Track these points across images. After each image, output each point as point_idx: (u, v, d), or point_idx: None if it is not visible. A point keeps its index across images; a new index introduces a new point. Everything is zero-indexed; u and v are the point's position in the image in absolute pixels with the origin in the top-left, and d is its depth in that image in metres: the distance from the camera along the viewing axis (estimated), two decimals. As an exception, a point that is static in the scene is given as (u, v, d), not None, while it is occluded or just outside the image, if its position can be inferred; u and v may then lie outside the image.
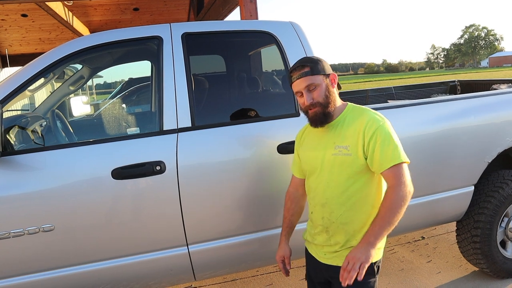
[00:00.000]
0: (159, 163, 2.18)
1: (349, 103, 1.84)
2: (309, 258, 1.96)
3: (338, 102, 1.82)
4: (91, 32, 10.32)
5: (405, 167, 1.66)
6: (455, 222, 3.10)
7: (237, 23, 2.58)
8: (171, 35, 2.39)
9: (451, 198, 2.80)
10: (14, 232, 2.05)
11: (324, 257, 1.84)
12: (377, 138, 1.66)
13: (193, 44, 2.44)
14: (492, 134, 2.82)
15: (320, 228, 1.83)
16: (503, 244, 3.07)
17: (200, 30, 2.45)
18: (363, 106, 1.83)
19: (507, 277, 3.08)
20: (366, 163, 1.70)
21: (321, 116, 1.74)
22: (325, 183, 1.78)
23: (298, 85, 1.76)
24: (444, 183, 2.76)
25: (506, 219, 3.03)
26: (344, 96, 4.58)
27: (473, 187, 2.88)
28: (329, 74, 1.78)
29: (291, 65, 2.50)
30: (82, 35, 9.34)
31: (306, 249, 2.00)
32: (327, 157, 1.77)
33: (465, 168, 2.80)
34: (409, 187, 1.63)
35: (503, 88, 3.97)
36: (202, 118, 2.35)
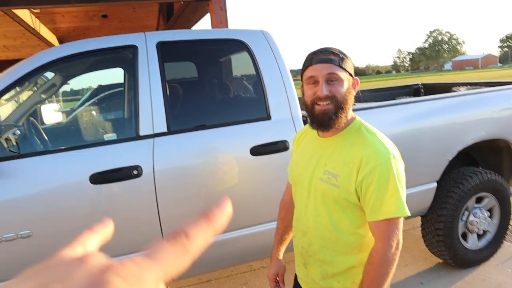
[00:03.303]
0: (136, 167, 2.24)
1: (357, 117, 1.50)
2: (297, 285, 1.71)
3: (350, 112, 1.47)
4: (58, 39, 10.14)
5: (399, 224, 1.34)
6: (420, 217, 3.28)
7: (210, 32, 2.67)
8: (146, 44, 2.45)
9: (416, 194, 2.96)
10: (-8, 240, 2.06)
11: None
12: (373, 179, 1.32)
13: (167, 52, 2.52)
14: (453, 134, 3.00)
15: (299, 259, 1.61)
16: (464, 236, 3.26)
17: (174, 39, 2.53)
18: (371, 128, 1.47)
19: (469, 266, 3.27)
20: (357, 202, 1.39)
21: (331, 115, 1.38)
22: (309, 209, 1.51)
23: (318, 69, 1.38)
24: (410, 180, 2.91)
25: (466, 213, 3.21)
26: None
27: (436, 184, 3.06)
28: (353, 76, 1.44)
29: (262, 72, 2.60)
30: (49, 42, 9.18)
31: (296, 276, 1.74)
32: (315, 179, 1.48)
33: (429, 165, 2.97)
34: (398, 250, 1.34)
35: (462, 90, 4.20)
36: (177, 123, 2.42)
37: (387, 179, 1.32)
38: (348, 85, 1.41)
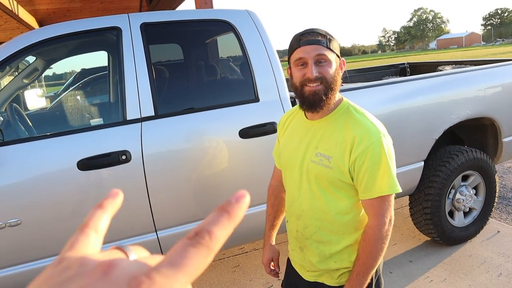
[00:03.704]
0: (125, 152, 2.21)
1: (344, 99, 1.51)
2: (291, 269, 1.72)
3: (338, 95, 1.48)
4: (38, 22, 9.89)
5: (391, 200, 1.40)
6: (408, 196, 3.32)
7: (195, 12, 2.62)
8: (130, 26, 2.40)
9: (403, 174, 2.99)
10: (-22, 229, 2.03)
11: (307, 274, 1.62)
12: (366, 158, 1.35)
13: (151, 34, 2.46)
14: (438, 113, 3.02)
15: (294, 243, 1.63)
16: (451, 214, 3.32)
17: (159, 20, 2.47)
18: (359, 108, 1.49)
19: (455, 243, 3.34)
20: (350, 182, 1.42)
21: (321, 97, 1.38)
22: (302, 192, 1.52)
23: (306, 51, 1.38)
24: (397, 160, 2.93)
25: (453, 191, 3.26)
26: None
27: (422, 163, 3.09)
28: (339, 57, 1.45)
29: (249, 53, 2.57)
30: (28, 25, 8.94)
31: (289, 260, 1.76)
32: (306, 162, 1.48)
33: (415, 145, 2.99)
34: (390, 225, 1.40)
35: (448, 69, 4.22)
36: (164, 107, 2.39)
37: (379, 158, 1.35)
38: (336, 66, 1.41)
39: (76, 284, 0.25)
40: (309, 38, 1.39)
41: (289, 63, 1.48)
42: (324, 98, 1.39)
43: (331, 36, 1.42)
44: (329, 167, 1.41)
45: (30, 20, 9.42)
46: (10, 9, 7.74)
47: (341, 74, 1.45)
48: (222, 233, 0.29)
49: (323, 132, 1.46)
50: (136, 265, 0.28)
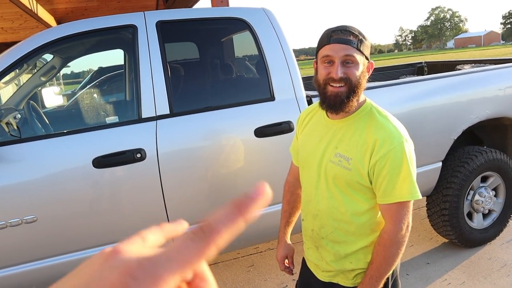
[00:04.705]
0: (140, 150, 2.21)
1: (368, 100, 1.47)
2: (306, 269, 1.70)
3: (362, 96, 1.44)
4: (56, 21, 10.02)
5: (410, 206, 1.36)
6: (425, 197, 3.26)
7: (210, 11, 2.61)
8: (146, 24, 2.40)
9: (420, 175, 2.92)
10: (-4, 225, 2.05)
11: (322, 274, 1.59)
12: (387, 162, 1.32)
13: (167, 32, 2.46)
14: (457, 112, 2.96)
15: (310, 242, 1.60)
16: (470, 215, 3.25)
17: (174, 18, 2.47)
18: (382, 110, 1.45)
19: (474, 246, 3.27)
20: (369, 185, 1.39)
21: (343, 99, 1.35)
22: (319, 192, 1.49)
23: (335, 49, 1.34)
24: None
25: (472, 192, 3.20)
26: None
27: (441, 163, 3.03)
28: (368, 59, 1.41)
29: (264, 52, 2.55)
30: (47, 24, 9.06)
31: (304, 259, 1.73)
32: (325, 161, 1.45)
33: (433, 145, 2.94)
34: (407, 231, 1.37)
35: (467, 68, 4.14)
36: (180, 105, 2.38)
37: (400, 163, 1.32)
38: (363, 69, 1.37)
39: (87, 269, 0.27)
40: (340, 36, 1.35)
41: (316, 57, 1.45)
42: (345, 101, 1.36)
43: (363, 37, 1.37)
44: (348, 169, 1.38)
45: (49, 19, 9.55)
46: (30, 8, 7.86)
47: (367, 77, 1.41)
48: (229, 234, 0.29)
49: (344, 133, 1.43)
50: (138, 252, 0.28)
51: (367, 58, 1.39)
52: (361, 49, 1.35)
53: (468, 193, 3.18)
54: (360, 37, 1.36)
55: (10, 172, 2.07)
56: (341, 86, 1.35)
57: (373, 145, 1.34)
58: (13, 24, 11.00)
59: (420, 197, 1.35)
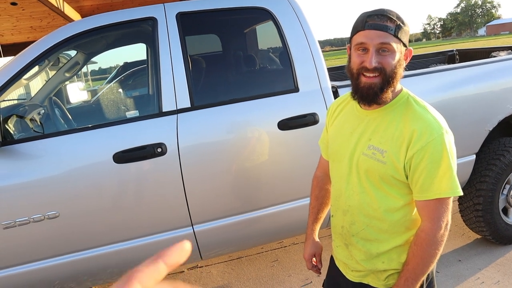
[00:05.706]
0: (160, 145, 2.17)
1: (404, 89, 1.36)
2: (334, 268, 1.62)
3: (398, 85, 1.33)
4: (82, 18, 10.16)
5: (449, 203, 1.26)
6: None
7: (232, 0, 2.54)
8: (166, 16, 2.35)
9: (453, 168, 2.80)
10: (19, 221, 2.06)
11: (351, 274, 1.50)
12: (425, 156, 1.22)
13: (188, 24, 2.41)
14: (492, 102, 2.81)
15: (339, 240, 1.52)
16: (505, 211, 3.09)
17: (194, 9, 2.41)
18: (420, 100, 1.34)
19: (510, 243, 3.11)
20: (404, 180, 1.29)
21: (376, 91, 1.26)
22: (351, 186, 1.41)
23: (370, 36, 1.24)
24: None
25: (507, 187, 3.04)
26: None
27: (474, 156, 2.89)
28: (407, 46, 1.30)
29: (288, 41, 2.47)
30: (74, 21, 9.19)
31: (332, 258, 1.66)
32: (357, 154, 1.36)
33: (466, 137, 2.80)
34: (446, 230, 1.27)
35: (503, 55, 3.93)
36: (200, 98, 2.33)
37: (440, 156, 1.21)
38: (399, 57, 1.26)
39: None
40: (376, 21, 1.23)
41: (350, 42, 1.34)
42: (379, 92, 1.26)
43: (402, 22, 1.25)
44: (382, 162, 1.29)
45: (76, 16, 9.68)
46: (57, 6, 7.98)
47: (404, 65, 1.30)
48: (151, 272, 0.35)
49: (378, 124, 1.33)
50: None
51: (405, 45, 1.28)
52: (398, 36, 1.24)
53: (504, 188, 3.03)
54: (398, 22, 1.24)
55: (32, 168, 2.07)
56: (375, 76, 1.25)
57: (410, 137, 1.24)
58: (42, 23, 11.23)
59: (461, 193, 1.24)
